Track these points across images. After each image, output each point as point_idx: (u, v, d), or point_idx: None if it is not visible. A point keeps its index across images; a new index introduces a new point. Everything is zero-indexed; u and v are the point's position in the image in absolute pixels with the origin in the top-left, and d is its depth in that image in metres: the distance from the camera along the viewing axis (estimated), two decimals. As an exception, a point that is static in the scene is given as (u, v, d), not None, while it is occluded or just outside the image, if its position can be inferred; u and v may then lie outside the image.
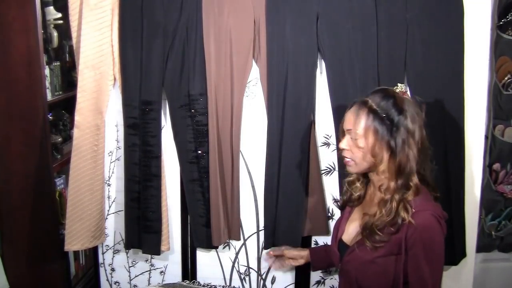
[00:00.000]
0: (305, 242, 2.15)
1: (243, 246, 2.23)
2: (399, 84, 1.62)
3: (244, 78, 2.08)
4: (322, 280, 2.20)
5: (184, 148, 2.13)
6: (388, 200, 1.54)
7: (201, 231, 2.17)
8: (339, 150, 1.66)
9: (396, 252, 1.54)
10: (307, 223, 2.12)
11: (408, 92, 1.66)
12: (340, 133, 1.67)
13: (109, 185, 2.27)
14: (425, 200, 1.57)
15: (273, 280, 2.25)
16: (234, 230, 2.17)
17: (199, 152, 2.12)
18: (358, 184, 1.70)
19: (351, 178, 1.72)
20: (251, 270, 2.25)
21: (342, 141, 1.61)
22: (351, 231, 1.70)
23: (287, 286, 2.23)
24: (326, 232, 2.14)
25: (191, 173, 2.14)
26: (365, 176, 1.68)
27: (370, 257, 1.57)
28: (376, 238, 1.54)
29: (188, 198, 2.17)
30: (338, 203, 1.88)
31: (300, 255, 1.99)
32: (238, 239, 2.20)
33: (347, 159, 1.61)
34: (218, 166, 2.09)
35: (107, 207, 2.29)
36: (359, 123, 1.54)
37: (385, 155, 1.55)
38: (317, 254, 1.97)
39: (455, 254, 2.07)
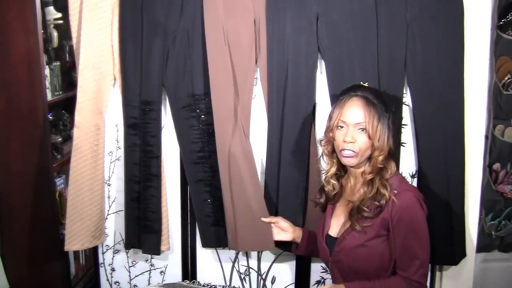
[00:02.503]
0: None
1: (243, 246, 2.23)
2: (362, 82, 1.79)
3: (247, 78, 2.07)
4: (322, 280, 2.20)
5: (188, 149, 2.13)
6: (371, 180, 1.70)
7: (209, 231, 2.16)
8: (324, 146, 1.81)
9: (384, 233, 1.69)
10: (307, 223, 2.12)
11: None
12: (328, 131, 1.76)
13: (109, 185, 2.27)
14: (402, 180, 1.77)
15: (273, 280, 2.25)
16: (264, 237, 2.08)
17: (206, 151, 2.11)
18: (333, 181, 1.83)
19: (328, 174, 1.83)
20: (251, 270, 2.25)
21: (346, 135, 1.69)
22: (336, 225, 1.81)
23: (287, 286, 2.23)
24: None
25: (196, 173, 2.13)
26: (338, 169, 1.82)
27: (360, 242, 1.69)
28: (364, 214, 1.68)
29: (194, 199, 2.16)
30: (319, 205, 1.92)
31: (291, 229, 2.01)
32: (272, 247, 2.09)
33: (349, 152, 1.70)
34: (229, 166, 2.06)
35: (107, 207, 2.29)
36: (371, 116, 1.67)
37: (387, 142, 1.70)
38: (306, 240, 2.01)
39: (455, 254, 2.06)
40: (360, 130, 1.69)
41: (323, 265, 2.13)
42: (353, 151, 1.69)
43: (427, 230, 1.69)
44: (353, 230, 1.71)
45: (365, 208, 1.69)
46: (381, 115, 1.68)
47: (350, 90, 1.74)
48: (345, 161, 1.73)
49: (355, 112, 1.69)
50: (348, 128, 1.70)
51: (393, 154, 1.79)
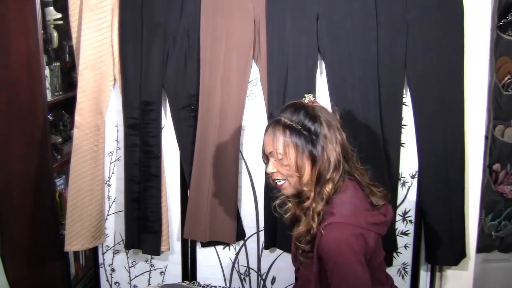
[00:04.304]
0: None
1: (243, 246, 2.23)
2: (305, 95, 1.59)
3: (244, 78, 2.08)
4: (322, 280, 2.20)
5: (188, 149, 2.13)
6: (309, 209, 1.52)
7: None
8: (268, 177, 1.61)
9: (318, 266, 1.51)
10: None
11: (319, 101, 1.64)
12: (264, 159, 1.63)
13: (109, 185, 2.27)
14: (347, 202, 1.52)
15: (273, 280, 2.24)
16: (229, 230, 2.16)
17: None
18: (290, 205, 1.65)
19: (278, 201, 1.68)
20: (251, 270, 2.25)
21: (268, 166, 1.57)
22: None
23: (287, 286, 2.23)
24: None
25: None
26: (293, 195, 1.62)
27: (309, 273, 1.54)
28: (301, 249, 1.53)
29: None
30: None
31: None
32: (233, 241, 2.18)
33: (279, 183, 1.57)
34: (213, 164, 2.09)
35: (107, 208, 2.29)
36: (277, 142, 1.51)
37: (308, 166, 1.51)
38: None
39: (455, 254, 2.07)
40: (275, 159, 1.54)
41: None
42: (282, 180, 1.55)
43: (356, 272, 1.44)
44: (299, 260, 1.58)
45: (300, 244, 1.53)
46: (292, 138, 1.49)
47: (278, 114, 1.59)
48: (282, 192, 1.60)
49: (266, 141, 1.55)
50: (270, 158, 1.57)
51: (336, 175, 1.51)
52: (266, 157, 1.60)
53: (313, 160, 1.50)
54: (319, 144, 1.50)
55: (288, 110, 1.55)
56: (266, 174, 2.03)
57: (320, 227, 1.47)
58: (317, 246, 1.48)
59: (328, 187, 1.50)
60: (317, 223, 1.48)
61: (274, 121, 1.56)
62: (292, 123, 1.51)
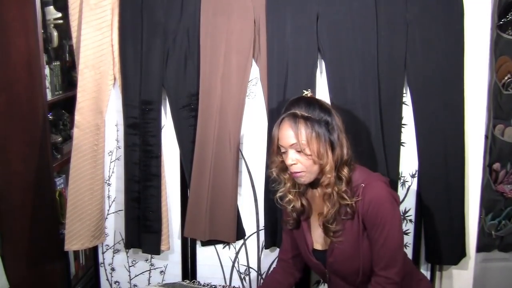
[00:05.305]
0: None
1: (243, 246, 2.23)
2: (304, 90, 1.71)
3: (244, 77, 2.08)
4: (322, 280, 2.20)
5: (188, 148, 2.13)
6: (331, 194, 1.64)
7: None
8: (270, 170, 1.73)
9: (363, 228, 1.65)
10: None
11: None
12: (273, 154, 1.70)
13: (109, 184, 2.27)
14: (365, 171, 1.71)
15: (273, 280, 2.24)
16: (229, 230, 2.16)
17: None
18: (291, 196, 1.74)
19: (281, 194, 1.75)
20: (251, 270, 2.25)
21: (288, 158, 1.63)
22: (319, 238, 1.75)
23: (287, 286, 2.23)
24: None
25: None
26: (294, 186, 1.73)
27: (349, 247, 1.66)
28: (332, 230, 1.65)
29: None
30: (289, 225, 1.80)
31: None
32: (233, 240, 2.19)
33: (297, 173, 1.64)
34: (213, 163, 2.09)
35: (107, 207, 2.29)
36: (300, 134, 1.60)
37: (329, 154, 1.62)
38: None
39: (455, 253, 2.07)
40: (296, 151, 1.62)
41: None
42: (301, 170, 1.63)
43: (397, 214, 1.66)
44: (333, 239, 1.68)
45: (331, 226, 1.65)
46: (314, 129, 1.60)
47: (286, 108, 1.67)
48: (298, 181, 1.68)
49: (287, 134, 1.62)
50: (287, 150, 1.63)
51: (350, 158, 1.66)
52: (277, 152, 1.68)
53: (333, 147, 1.63)
54: (335, 132, 1.63)
55: (301, 104, 1.64)
56: (267, 169, 2.07)
57: (358, 192, 1.62)
58: (360, 209, 1.62)
59: (346, 170, 1.64)
60: (352, 197, 1.63)
61: (290, 115, 1.63)
62: (310, 115, 1.61)
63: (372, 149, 2.01)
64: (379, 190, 1.63)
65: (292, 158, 1.62)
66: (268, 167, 1.78)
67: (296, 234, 1.82)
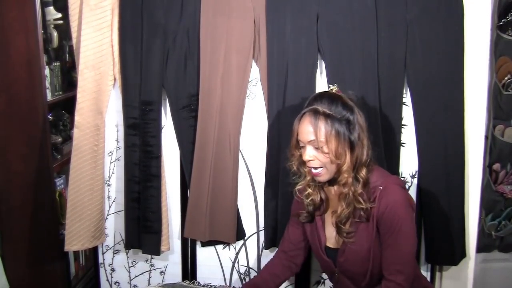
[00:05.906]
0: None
1: (243, 246, 2.23)
2: (330, 85, 1.68)
3: (244, 78, 2.08)
4: (322, 280, 2.20)
5: (188, 149, 2.13)
6: (347, 194, 1.62)
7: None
8: (290, 163, 1.71)
9: (376, 230, 1.63)
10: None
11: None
12: (293, 148, 1.68)
13: (109, 185, 2.27)
14: (384, 173, 1.69)
15: (273, 280, 2.24)
16: (229, 230, 2.16)
17: None
18: (310, 190, 1.73)
19: (300, 187, 1.74)
20: (251, 270, 2.25)
21: (305, 154, 1.62)
22: (331, 235, 1.74)
23: (287, 286, 2.23)
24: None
25: None
26: (314, 180, 1.70)
27: (361, 248, 1.64)
28: (346, 231, 1.64)
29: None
30: (302, 218, 1.78)
31: None
32: (233, 241, 2.18)
33: (315, 171, 1.63)
34: (213, 164, 2.09)
35: (107, 207, 2.29)
36: (319, 131, 1.57)
37: (348, 154, 1.60)
38: None
39: (455, 254, 2.06)
40: (314, 147, 1.60)
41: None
42: (319, 167, 1.62)
43: (414, 227, 1.64)
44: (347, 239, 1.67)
45: (343, 226, 1.64)
46: (334, 127, 1.57)
47: (309, 103, 1.64)
48: (316, 179, 1.66)
49: (306, 129, 1.60)
50: (305, 146, 1.62)
51: (369, 159, 1.64)
52: (296, 146, 1.66)
53: (352, 147, 1.60)
54: (356, 132, 1.60)
55: (324, 100, 1.61)
56: (267, 165, 2.07)
57: (374, 195, 1.60)
58: (375, 212, 1.60)
59: (364, 171, 1.62)
60: (367, 201, 1.61)
61: (311, 110, 1.60)
62: (332, 113, 1.58)
63: (372, 149, 2.00)
64: (396, 195, 1.61)
65: (309, 154, 1.61)
66: (288, 159, 1.75)
67: (308, 229, 1.81)
